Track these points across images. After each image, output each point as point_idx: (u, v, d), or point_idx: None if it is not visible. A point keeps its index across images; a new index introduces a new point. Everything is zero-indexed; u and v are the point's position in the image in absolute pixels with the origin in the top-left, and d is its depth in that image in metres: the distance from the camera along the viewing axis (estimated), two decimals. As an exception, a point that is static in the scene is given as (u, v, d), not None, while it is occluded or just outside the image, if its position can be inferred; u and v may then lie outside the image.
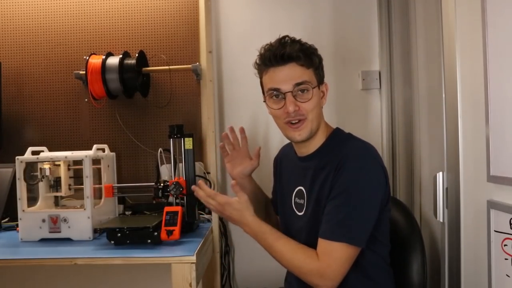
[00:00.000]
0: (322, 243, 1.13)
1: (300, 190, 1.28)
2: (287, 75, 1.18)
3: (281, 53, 1.18)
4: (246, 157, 1.46)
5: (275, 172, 1.46)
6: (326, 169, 1.19)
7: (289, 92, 1.18)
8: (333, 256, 1.11)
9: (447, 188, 1.32)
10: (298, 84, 1.18)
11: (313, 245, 1.17)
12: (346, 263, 1.11)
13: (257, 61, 1.24)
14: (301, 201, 1.27)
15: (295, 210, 1.29)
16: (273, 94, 1.21)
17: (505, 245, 1.03)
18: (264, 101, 1.26)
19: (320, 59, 1.24)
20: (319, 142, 1.26)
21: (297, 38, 1.23)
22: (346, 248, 1.11)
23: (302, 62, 1.18)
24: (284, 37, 1.22)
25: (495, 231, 1.06)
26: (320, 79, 1.24)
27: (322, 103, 1.26)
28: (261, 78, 1.26)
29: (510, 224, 1.01)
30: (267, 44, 1.23)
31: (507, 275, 1.02)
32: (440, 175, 1.34)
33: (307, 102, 1.19)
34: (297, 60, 1.18)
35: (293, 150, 1.35)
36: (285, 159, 1.41)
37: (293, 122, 1.20)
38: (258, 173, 1.46)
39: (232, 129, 1.47)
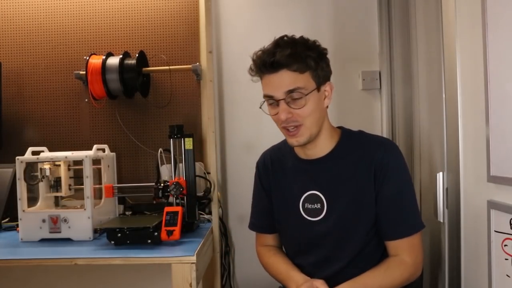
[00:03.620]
0: (403, 241, 1.18)
1: (313, 194, 1.24)
2: (278, 83, 1.15)
3: (270, 61, 1.13)
4: None
5: (265, 181, 1.37)
6: (355, 167, 1.18)
7: (281, 99, 1.15)
8: (417, 246, 1.20)
9: (447, 188, 1.32)
10: (290, 92, 1.14)
11: (345, 247, 1.20)
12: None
13: (251, 67, 1.21)
14: (316, 206, 1.24)
15: (306, 216, 1.25)
16: (268, 101, 1.19)
17: (505, 245, 1.03)
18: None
19: (316, 60, 1.16)
20: (329, 142, 1.24)
21: (298, 36, 1.19)
22: (420, 234, 1.20)
23: (294, 68, 1.13)
24: (282, 37, 1.18)
25: (495, 231, 1.06)
26: (319, 81, 1.17)
27: (325, 104, 1.21)
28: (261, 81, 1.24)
29: (510, 224, 1.01)
30: (259, 50, 1.19)
31: (507, 275, 1.02)
32: (440, 175, 1.34)
33: (301, 109, 1.15)
34: (288, 67, 1.13)
35: (288, 154, 1.31)
36: (278, 165, 1.34)
37: (290, 129, 1.18)
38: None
39: None
